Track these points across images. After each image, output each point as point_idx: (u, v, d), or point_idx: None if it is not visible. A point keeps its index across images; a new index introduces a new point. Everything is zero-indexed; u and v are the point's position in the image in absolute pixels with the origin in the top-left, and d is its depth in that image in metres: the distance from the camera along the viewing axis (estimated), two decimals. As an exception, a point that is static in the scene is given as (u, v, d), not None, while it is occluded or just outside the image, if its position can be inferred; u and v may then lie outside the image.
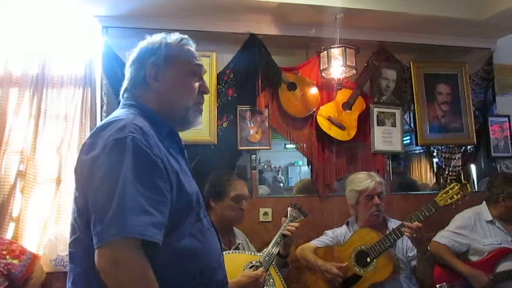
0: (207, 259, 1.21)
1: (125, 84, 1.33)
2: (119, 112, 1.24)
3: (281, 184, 4.90)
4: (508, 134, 3.50)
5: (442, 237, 2.61)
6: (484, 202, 2.68)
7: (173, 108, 1.30)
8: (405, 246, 2.41)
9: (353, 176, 2.59)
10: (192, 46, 1.37)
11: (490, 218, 2.60)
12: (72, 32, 2.82)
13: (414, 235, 2.17)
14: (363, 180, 2.46)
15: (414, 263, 2.36)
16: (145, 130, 1.14)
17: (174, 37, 1.34)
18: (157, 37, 1.34)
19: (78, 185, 1.15)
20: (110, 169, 1.05)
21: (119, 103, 1.35)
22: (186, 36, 1.37)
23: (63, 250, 2.55)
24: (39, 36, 2.75)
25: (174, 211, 1.12)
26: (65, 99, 2.80)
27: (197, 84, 1.34)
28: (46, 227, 2.67)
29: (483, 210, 2.65)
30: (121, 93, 1.35)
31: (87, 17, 2.81)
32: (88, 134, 2.78)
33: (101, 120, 2.84)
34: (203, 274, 1.18)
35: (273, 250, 2.14)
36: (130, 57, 1.35)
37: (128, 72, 1.33)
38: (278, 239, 2.19)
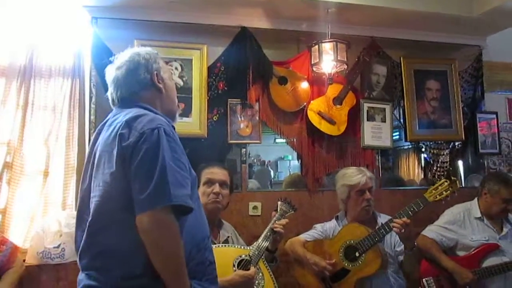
0: (204, 229, 1.49)
1: (123, 90, 1.52)
2: (137, 110, 1.43)
3: (269, 169, 4.90)
4: (496, 130, 3.54)
5: (431, 231, 2.64)
6: (475, 199, 2.71)
7: (172, 105, 1.62)
8: (393, 241, 2.43)
9: (344, 171, 2.59)
10: None
11: (479, 215, 2.63)
12: (60, 22, 2.77)
13: (402, 231, 2.19)
14: (354, 175, 2.47)
15: (401, 258, 2.39)
16: (167, 123, 1.41)
17: (149, 50, 1.61)
18: (145, 50, 1.59)
19: (118, 166, 1.31)
20: (151, 151, 1.29)
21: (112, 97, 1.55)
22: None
23: (50, 243, 2.52)
24: (27, 26, 2.71)
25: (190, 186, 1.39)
26: (53, 90, 2.76)
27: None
28: (33, 220, 2.64)
29: (473, 207, 2.68)
30: (117, 97, 1.54)
31: (76, 7, 2.76)
32: (76, 125, 2.78)
33: (90, 111, 2.80)
34: (203, 240, 1.45)
35: (262, 244, 2.15)
36: (117, 66, 1.54)
37: (126, 79, 1.52)
38: (268, 233, 2.19)
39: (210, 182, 2.21)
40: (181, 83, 2.90)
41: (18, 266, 2.42)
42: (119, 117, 1.43)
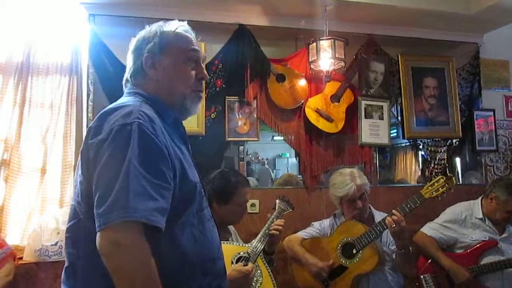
0: (207, 250, 1.22)
1: (126, 73, 1.34)
2: (125, 99, 1.24)
3: (267, 167, 4.90)
4: (493, 128, 3.55)
5: (430, 229, 2.64)
6: (479, 198, 2.71)
7: (171, 96, 1.30)
8: (389, 239, 2.43)
9: (334, 178, 2.50)
10: (190, 33, 1.36)
11: (480, 215, 2.63)
12: (58, 19, 2.76)
13: (393, 226, 2.18)
14: (343, 186, 2.39)
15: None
16: (151, 116, 1.15)
17: (172, 24, 1.34)
18: (154, 26, 1.34)
19: (83, 168, 1.14)
20: (116, 153, 1.06)
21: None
22: (184, 23, 1.36)
23: (48, 240, 2.52)
24: (24, 22, 2.70)
25: (177, 200, 1.13)
26: (51, 87, 2.75)
27: (193, 71, 1.32)
28: (30, 217, 2.64)
29: (475, 207, 2.67)
30: (123, 82, 1.36)
31: (73, 4, 2.76)
32: (74, 123, 2.77)
33: (88, 109, 2.80)
34: (203, 264, 1.19)
35: (258, 244, 2.15)
36: (130, 46, 1.36)
37: (128, 61, 1.35)
38: (267, 231, 2.19)
39: (244, 204, 2.22)
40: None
41: (3, 274, 2.32)
42: (108, 106, 1.23)
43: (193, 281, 1.17)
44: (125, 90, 1.34)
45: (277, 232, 2.18)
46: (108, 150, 1.07)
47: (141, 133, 1.09)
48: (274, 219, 2.24)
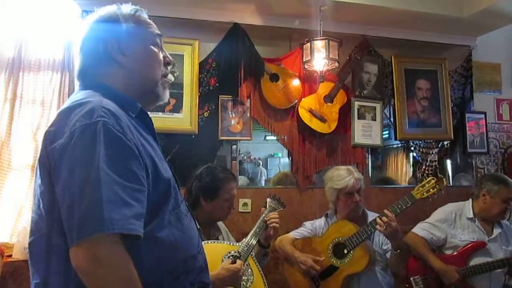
0: (188, 247, 1.14)
1: (80, 64, 1.20)
2: (82, 95, 1.10)
3: (260, 167, 4.92)
4: (484, 130, 3.58)
5: (421, 229, 2.65)
6: (470, 200, 2.72)
7: (143, 82, 1.20)
8: (381, 239, 2.44)
9: (332, 172, 2.56)
10: (146, 16, 1.27)
11: (471, 215, 2.64)
12: (50, 14, 2.74)
13: (383, 228, 2.19)
14: (342, 178, 2.44)
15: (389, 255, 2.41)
16: (116, 112, 1.03)
17: (128, 8, 1.24)
18: (109, 9, 1.22)
19: (44, 178, 1.03)
20: (81, 158, 0.95)
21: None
22: (137, 7, 1.26)
23: (38, 238, 2.50)
24: (16, 18, 2.67)
25: (151, 200, 1.04)
26: (42, 84, 2.73)
27: (161, 56, 1.25)
28: (20, 214, 2.61)
29: (466, 207, 2.68)
30: (76, 74, 1.22)
31: (66, 0, 2.73)
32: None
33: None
34: (185, 263, 1.12)
35: (252, 240, 2.14)
36: (79, 35, 1.22)
37: (82, 51, 1.20)
38: (257, 230, 2.19)
39: (232, 199, 2.20)
40: (172, 79, 2.88)
41: None
42: (64, 104, 1.10)
43: (177, 282, 1.10)
44: (79, 83, 1.20)
45: (277, 225, 2.19)
46: (72, 155, 0.96)
47: (107, 133, 0.97)
48: (267, 215, 2.24)
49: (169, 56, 1.28)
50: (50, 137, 1.01)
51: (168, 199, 1.11)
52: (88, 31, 1.21)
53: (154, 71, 1.22)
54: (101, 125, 0.97)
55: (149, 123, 1.21)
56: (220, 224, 2.36)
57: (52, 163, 0.99)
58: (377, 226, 2.21)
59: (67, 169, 0.96)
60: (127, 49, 1.18)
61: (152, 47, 1.22)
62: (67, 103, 1.09)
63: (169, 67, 1.29)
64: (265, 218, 2.21)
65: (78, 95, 1.11)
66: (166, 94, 1.27)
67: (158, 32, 1.26)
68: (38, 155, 1.07)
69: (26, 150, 2.67)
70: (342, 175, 2.45)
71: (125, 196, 0.96)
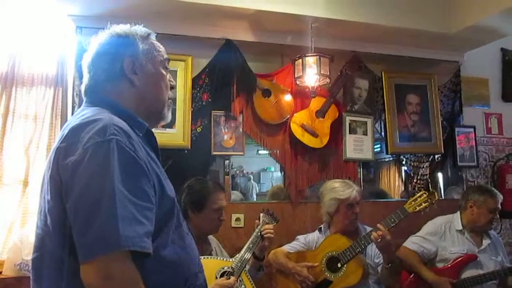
0: (189, 265, 1.16)
1: (90, 79, 1.22)
2: (90, 111, 1.11)
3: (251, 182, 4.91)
4: (474, 144, 3.62)
5: (412, 243, 2.67)
6: (458, 212, 2.75)
7: (152, 103, 1.24)
8: (374, 252, 2.45)
9: (332, 184, 2.57)
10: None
11: (460, 227, 2.67)
12: (44, 30, 2.75)
13: (379, 240, 2.21)
14: (345, 189, 2.47)
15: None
16: (127, 131, 1.05)
17: (142, 29, 1.29)
18: (124, 28, 1.27)
19: (53, 193, 1.03)
20: (95, 175, 0.96)
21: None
22: (149, 30, 1.32)
23: (28, 254, 2.47)
24: (10, 33, 2.68)
25: (156, 217, 1.05)
26: (35, 99, 2.72)
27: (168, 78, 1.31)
28: (11, 231, 2.58)
29: (455, 219, 2.72)
30: (84, 89, 1.23)
31: (60, 16, 2.75)
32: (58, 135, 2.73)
33: (72, 121, 2.77)
34: (187, 281, 1.13)
35: (245, 255, 2.14)
36: (92, 48, 1.25)
37: (93, 66, 1.22)
38: (251, 244, 2.19)
39: (221, 210, 2.21)
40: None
41: None
42: (72, 120, 1.12)
43: None
44: (86, 99, 1.22)
45: (272, 236, 2.19)
46: (87, 172, 0.96)
47: (120, 150, 0.99)
48: (262, 228, 2.24)
49: (172, 80, 1.34)
50: (62, 153, 1.02)
51: (172, 218, 1.13)
52: (103, 47, 1.23)
53: (163, 93, 1.27)
54: (114, 143, 0.99)
55: (153, 142, 1.24)
56: (212, 238, 2.36)
57: (63, 179, 1.00)
58: (372, 237, 2.22)
59: (80, 185, 0.96)
60: (140, 69, 1.21)
61: (162, 70, 1.27)
62: (76, 119, 1.09)
63: (172, 91, 1.34)
64: (261, 229, 2.21)
65: (86, 112, 1.12)
66: (170, 115, 1.33)
67: (167, 56, 1.31)
68: (47, 171, 1.08)
69: (18, 165, 2.65)
70: (344, 186, 2.49)
71: (137, 214, 0.97)
